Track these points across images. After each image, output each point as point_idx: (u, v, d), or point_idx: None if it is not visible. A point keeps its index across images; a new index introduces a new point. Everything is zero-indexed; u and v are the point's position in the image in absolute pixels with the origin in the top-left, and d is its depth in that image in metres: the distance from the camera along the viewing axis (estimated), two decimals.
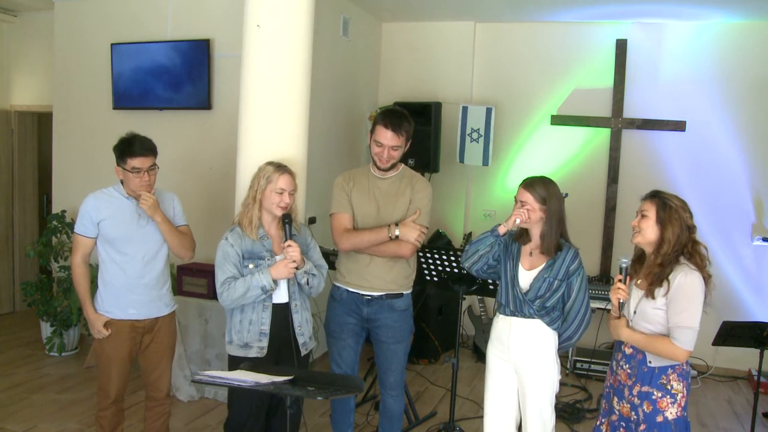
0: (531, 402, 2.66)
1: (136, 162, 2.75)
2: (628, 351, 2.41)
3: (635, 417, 2.35)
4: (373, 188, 2.95)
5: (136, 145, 2.76)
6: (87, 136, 5.08)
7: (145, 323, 2.90)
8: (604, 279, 5.34)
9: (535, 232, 2.65)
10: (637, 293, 2.40)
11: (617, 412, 2.44)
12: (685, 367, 2.33)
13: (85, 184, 5.07)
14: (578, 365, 4.91)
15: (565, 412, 4.14)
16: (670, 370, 2.31)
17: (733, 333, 3.38)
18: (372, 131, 2.89)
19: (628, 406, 2.38)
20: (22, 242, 5.91)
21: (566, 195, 4.28)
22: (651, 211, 2.34)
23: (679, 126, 5.16)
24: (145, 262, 2.86)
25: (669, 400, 2.30)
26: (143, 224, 2.85)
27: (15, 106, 5.94)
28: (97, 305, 2.87)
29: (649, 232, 2.35)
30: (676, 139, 5.20)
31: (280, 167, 2.70)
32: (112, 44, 4.80)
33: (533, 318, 2.64)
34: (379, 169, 2.93)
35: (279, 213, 2.67)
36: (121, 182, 2.87)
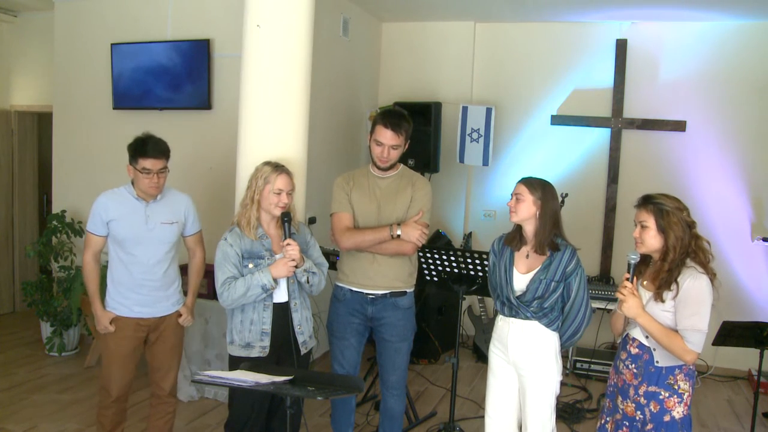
0: (530, 402, 2.66)
1: (147, 163, 2.77)
2: (634, 351, 2.40)
3: (641, 417, 2.35)
4: (374, 187, 2.97)
5: (149, 146, 2.79)
6: (87, 136, 5.08)
7: (150, 321, 2.92)
8: (604, 279, 5.34)
9: (529, 230, 2.64)
10: (644, 294, 2.38)
11: (621, 411, 2.43)
12: (691, 367, 2.34)
13: (85, 184, 5.09)
14: (578, 365, 4.91)
15: (565, 412, 4.14)
16: (677, 370, 2.31)
17: (733, 333, 3.38)
18: (372, 131, 2.92)
19: (633, 405, 2.37)
20: (22, 242, 5.91)
21: (566, 195, 4.34)
22: (650, 221, 2.32)
23: (679, 126, 5.16)
24: (151, 265, 2.87)
25: (676, 400, 2.31)
26: (151, 227, 2.86)
27: (15, 106, 5.93)
28: (105, 302, 2.90)
29: (652, 242, 2.33)
30: (676, 139, 5.20)
31: (278, 167, 2.69)
32: (112, 44, 4.79)
33: (531, 320, 2.64)
34: (378, 168, 2.95)
35: (278, 213, 2.67)
36: (132, 183, 2.88)
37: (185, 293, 3.09)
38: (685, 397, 2.32)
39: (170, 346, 3.01)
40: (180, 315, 3.01)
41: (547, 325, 2.63)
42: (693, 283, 2.23)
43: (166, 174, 2.88)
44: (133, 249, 2.84)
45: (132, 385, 3.02)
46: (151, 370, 3.05)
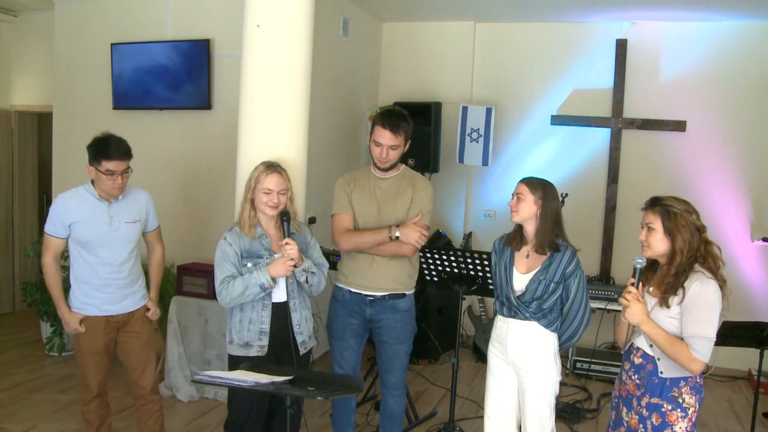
0: (529, 402, 2.66)
1: (110, 165, 2.73)
2: (638, 361, 2.31)
3: (643, 430, 2.25)
4: (374, 188, 2.96)
5: (112, 147, 2.73)
6: (87, 136, 4.96)
7: (118, 318, 2.92)
8: (603, 279, 5.34)
9: (530, 229, 2.63)
10: (649, 301, 2.27)
11: (626, 424, 2.34)
12: (698, 380, 2.21)
13: (84, 184, 5.08)
14: (578, 365, 4.90)
15: (565, 412, 4.14)
16: (682, 383, 2.19)
17: (733, 333, 3.37)
18: (371, 132, 2.92)
19: (636, 417, 2.28)
20: (22, 242, 5.91)
21: (566, 195, 4.34)
22: (657, 223, 2.21)
23: (679, 126, 5.16)
24: (118, 264, 2.87)
25: (679, 414, 2.18)
26: (116, 227, 2.84)
27: (15, 106, 5.93)
28: (71, 303, 2.87)
29: (659, 246, 2.22)
30: (676, 139, 5.20)
31: (270, 167, 2.68)
32: (112, 44, 4.79)
33: (530, 320, 2.64)
34: (379, 169, 2.95)
35: (269, 212, 2.66)
36: (92, 182, 2.85)
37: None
38: (689, 412, 2.18)
39: (142, 342, 3.00)
40: (148, 309, 3.02)
41: (546, 326, 2.63)
42: (700, 287, 2.13)
43: (129, 174, 2.84)
44: (97, 250, 2.81)
45: (108, 380, 3.00)
46: (127, 371, 3.03)
